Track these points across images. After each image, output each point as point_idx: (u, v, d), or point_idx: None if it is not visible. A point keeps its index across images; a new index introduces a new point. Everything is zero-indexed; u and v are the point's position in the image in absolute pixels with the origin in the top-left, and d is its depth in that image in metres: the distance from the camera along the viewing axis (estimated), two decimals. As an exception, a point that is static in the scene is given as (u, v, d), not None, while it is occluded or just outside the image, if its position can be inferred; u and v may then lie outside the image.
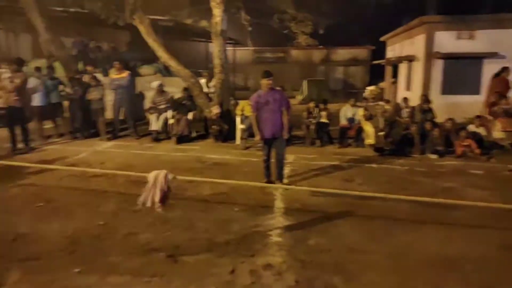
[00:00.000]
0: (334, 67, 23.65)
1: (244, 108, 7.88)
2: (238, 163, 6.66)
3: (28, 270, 3.14)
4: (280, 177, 5.23)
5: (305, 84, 18.25)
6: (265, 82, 4.97)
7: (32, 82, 7.72)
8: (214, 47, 8.01)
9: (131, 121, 8.33)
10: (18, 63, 7.38)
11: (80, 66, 9.39)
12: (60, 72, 9.16)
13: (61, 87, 8.08)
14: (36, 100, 7.85)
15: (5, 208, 4.45)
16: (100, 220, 4.16)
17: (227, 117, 8.23)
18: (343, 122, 7.95)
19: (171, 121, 8.22)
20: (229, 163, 6.61)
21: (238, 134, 7.91)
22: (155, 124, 8.17)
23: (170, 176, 3.68)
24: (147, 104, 10.11)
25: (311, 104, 8.15)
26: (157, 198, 3.56)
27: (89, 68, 8.56)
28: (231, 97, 8.79)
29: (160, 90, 8.18)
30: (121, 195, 5.00)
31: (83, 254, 3.45)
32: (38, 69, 8.10)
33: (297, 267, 3.19)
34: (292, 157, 6.78)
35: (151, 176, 3.66)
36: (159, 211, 3.61)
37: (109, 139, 8.13)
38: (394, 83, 15.57)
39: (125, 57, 9.82)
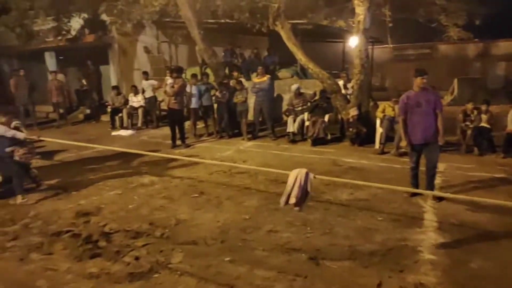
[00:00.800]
0: (494, 63, 20.31)
1: (385, 110, 7.41)
2: (377, 168, 6.29)
3: (188, 253, 3.56)
4: (430, 188, 4.71)
5: (456, 83, 16.18)
6: (419, 81, 4.52)
7: (189, 87, 8.83)
8: (355, 47, 7.77)
9: (270, 123, 8.73)
10: (178, 71, 8.53)
11: (227, 72, 10.31)
12: (211, 77, 10.25)
13: (212, 91, 9.00)
14: (192, 103, 8.94)
15: (169, 196, 5.15)
16: (245, 215, 4.45)
17: (365, 119, 7.87)
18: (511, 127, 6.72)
19: (307, 123, 8.30)
20: (367, 168, 6.30)
21: (378, 138, 7.49)
22: (291, 125, 8.37)
23: (311, 176, 3.66)
24: (284, 106, 10.50)
25: (469, 106, 7.15)
26: (295, 196, 3.59)
27: (235, 73, 9.32)
28: (370, 98, 8.39)
29: (298, 93, 8.35)
30: (262, 192, 5.26)
31: (232, 244, 3.73)
32: (194, 75, 9.21)
33: (456, 292, 2.80)
34: (444, 166, 6.05)
35: (292, 174, 3.71)
36: (296, 211, 3.64)
37: (249, 139, 8.69)
38: None
39: (266, 62, 10.36)
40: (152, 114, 11.09)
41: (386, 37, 13.14)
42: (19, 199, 4.91)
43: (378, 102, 8.44)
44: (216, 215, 4.47)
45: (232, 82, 9.01)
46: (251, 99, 9.02)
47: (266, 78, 8.61)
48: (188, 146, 8.24)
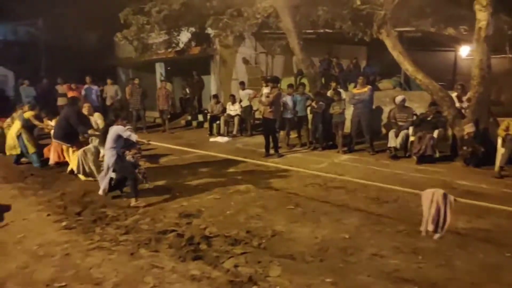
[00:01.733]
0: None
1: (509, 128, 6.44)
2: (500, 195, 5.44)
3: (286, 268, 3.43)
4: None
5: None
6: None
7: (284, 98, 8.83)
8: (475, 56, 6.91)
9: (368, 136, 8.25)
10: (274, 81, 8.60)
11: (323, 82, 10.09)
12: (306, 88, 10.14)
13: (308, 102, 8.87)
14: (286, 113, 8.92)
15: (264, 205, 5.12)
16: (345, 233, 4.17)
17: (483, 137, 6.94)
18: None
19: (412, 138, 7.63)
20: (487, 194, 5.49)
21: (498, 159, 6.52)
22: (393, 140, 7.78)
23: (450, 198, 3.24)
24: (384, 119, 9.88)
25: None
26: (433, 222, 3.21)
27: (333, 83, 9.06)
28: (489, 114, 7.38)
29: (402, 105, 7.74)
30: (362, 211, 4.92)
31: (332, 264, 3.50)
32: (290, 85, 9.20)
33: None
34: None
35: (426, 196, 3.32)
36: (437, 238, 3.25)
37: (345, 152, 8.32)
38: None
39: (365, 72, 9.91)
40: (247, 123, 11.39)
41: (504, 46, 11.58)
42: (133, 201, 5.12)
43: (499, 119, 7.39)
44: (314, 230, 4.28)
45: (329, 93, 8.77)
46: (348, 110, 8.66)
47: (366, 89, 8.19)
48: (281, 155, 8.21)
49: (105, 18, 13.93)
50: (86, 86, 11.60)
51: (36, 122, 7.42)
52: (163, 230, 4.27)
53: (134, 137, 5.24)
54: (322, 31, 11.02)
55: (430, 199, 3.01)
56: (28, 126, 7.35)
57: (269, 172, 6.79)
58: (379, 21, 8.51)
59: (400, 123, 7.90)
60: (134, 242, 3.98)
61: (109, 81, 12.34)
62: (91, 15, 14.40)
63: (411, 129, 7.76)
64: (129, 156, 5.65)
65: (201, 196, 5.56)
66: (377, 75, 10.52)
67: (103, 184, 5.29)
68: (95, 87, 11.99)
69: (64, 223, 4.49)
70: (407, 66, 8.11)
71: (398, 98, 7.88)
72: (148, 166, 7.06)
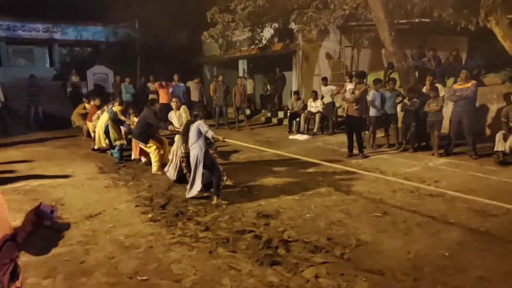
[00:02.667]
0: None
1: None
2: None
3: (374, 285, 3.07)
4: None
5: None
6: None
7: (371, 94, 8.21)
8: None
9: (470, 138, 7.25)
10: (361, 76, 8.00)
11: (416, 76, 9.17)
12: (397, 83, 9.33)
13: (398, 99, 8.13)
14: (373, 111, 8.28)
15: (347, 211, 4.74)
16: (444, 250, 3.63)
17: None
18: None
19: (525, 142, 6.50)
20: None
21: None
22: (501, 144, 6.71)
23: None
24: (489, 119, 8.65)
25: None
26: None
27: (429, 78, 8.15)
28: None
29: (518, 103, 6.62)
30: (463, 225, 4.26)
31: (429, 286, 3.03)
32: (377, 81, 8.52)
33: None
34: None
35: None
36: None
37: (441, 155, 7.44)
38: None
39: (468, 65, 8.74)
40: (328, 120, 10.94)
41: None
42: (215, 199, 5.09)
43: None
44: (406, 243, 3.80)
45: (425, 89, 7.91)
46: (446, 108, 7.73)
47: (470, 84, 7.18)
48: (366, 156, 7.64)
49: (193, 18, 14.57)
50: (174, 83, 12.21)
51: (122, 117, 7.94)
52: (241, 230, 4.17)
53: (210, 133, 5.14)
54: (417, 20, 10.06)
55: None
56: (115, 120, 7.91)
57: (352, 174, 6.34)
58: (488, 7, 7.44)
59: (511, 124, 6.79)
60: (213, 240, 3.94)
61: (196, 80, 12.77)
62: (181, 15, 15.17)
63: (525, 131, 6.63)
64: (212, 151, 5.65)
65: (279, 196, 5.37)
66: (482, 69, 9.22)
67: (196, 185, 5.12)
68: (182, 85, 12.57)
69: (150, 215, 4.66)
70: (523, 57, 6.95)
71: (512, 95, 6.75)
72: (225, 163, 7.11)
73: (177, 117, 7.00)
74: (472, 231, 4.11)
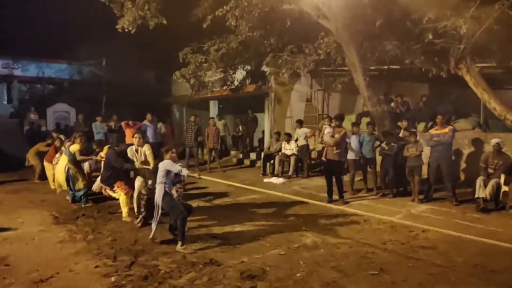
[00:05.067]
0: None
1: None
2: None
3: None
4: None
5: None
6: None
7: (349, 137, 8.06)
8: None
9: (450, 183, 7.17)
10: (339, 119, 7.88)
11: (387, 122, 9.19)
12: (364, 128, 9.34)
13: (377, 143, 8.04)
14: (351, 154, 8.11)
15: (340, 268, 4.27)
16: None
17: None
18: None
19: (504, 188, 6.48)
20: None
21: None
22: (481, 190, 6.65)
23: None
24: (462, 164, 8.74)
25: None
26: None
27: (404, 123, 8.17)
28: None
29: (499, 150, 6.62)
30: (468, 284, 3.91)
31: None
32: (355, 124, 8.44)
33: None
34: None
35: None
36: None
37: (421, 201, 7.27)
38: None
39: (438, 111, 8.91)
40: (303, 163, 10.69)
41: None
42: (179, 246, 4.78)
43: None
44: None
45: (402, 133, 7.89)
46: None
47: (447, 129, 7.21)
48: (346, 202, 7.33)
49: (162, 58, 14.34)
50: (144, 122, 11.58)
51: (81, 158, 7.25)
52: (224, 297, 3.58)
53: (185, 172, 5.06)
54: (385, 67, 10.34)
55: None
56: (75, 161, 7.20)
57: (336, 220, 5.98)
58: (457, 56, 7.70)
59: (490, 171, 6.79)
60: (192, 312, 3.32)
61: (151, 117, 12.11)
62: (149, 55, 14.92)
63: (502, 178, 6.62)
64: (173, 191, 5.27)
65: (262, 250, 4.85)
66: (451, 115, 9.46)
67: (153, 226, 5.03)
68: (151, 125, 11.97)
69: (113, 279, 3.95)
70: (493, 105, 7.16)
71: (493, 141, 6.76)
72: (202, 206, 6.55)
73: (138, 154, 6.44)
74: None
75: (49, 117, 14.44)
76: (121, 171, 6.33)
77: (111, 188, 6.31)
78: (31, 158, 9.96)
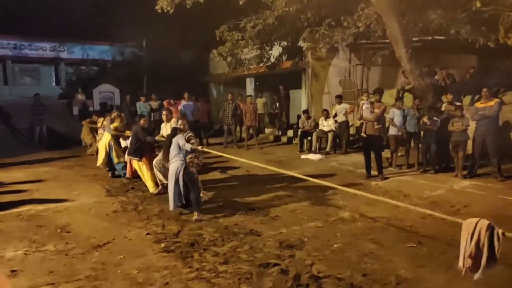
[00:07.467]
0: None
1: None
2: None
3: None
4: None
5: None
6: None
7: (391, 112, 7.92)
8: None
9: (495, 159, 6.90)
10: (379, 94, 7.72)
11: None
12: (409, 101, 9.06)
13: (419, 117, 7.82)
14: (392, 129, 7.97)
15: (378, 240, 4.35)
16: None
17: None
18: None
19: (557, 163, 6.16)
20: None
21: None
22: (530, 165, 6.37)
23: (498, 231, 2.61)
24: (510, 138, 8.31)
25: None
26: (471, 257, 2.65)
27: (448, 96, 7.87)
28: None
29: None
30: (508, 256, 3.86)
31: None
32: (399, 98, 8.24)
33: None
34: None
35: (466, 226, 2.78)
36: (476, 278, 2.62)
37: (464, 177, 7.07)
38: None
39: (485, 83, 8.45)
40: (341, 139, 10.63)
41: None
42: (195, 215, 5.13)
43: None
44: (449, 280, 3.42)
45: (445, 107, 7.62)
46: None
47: (493, 102, 6.89)
48: (385, 178, 7.28)
49: (199, 37, 14.50)
50: (183, 102, 11.95)
51: (113, 133, 7.73)
52: (264, 263, 3.79)
53: (188, 146, 5.28)
54: (429, 38, 9.87)
55: (469, 230, 2.68)
56: (115, 137, 7.75)
57: (373, 198, 5.97)
58: (508, 24, 7.22)
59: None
60: (234, 275, 3.56)
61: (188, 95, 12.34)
62: (187, 35, 15.12)
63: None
64: (190, 165, 5.53)
65: (300, 222, 5.01)
66: (500, 87, 8.95)
67: (173, 199, 5.22)
68: (191, 103, 12.30)
69: (163, 245, 4.29)
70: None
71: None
72: (236, 184, 6.77)
73: (166, 128, 6.98)
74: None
75: (95, 97, 15.16)
76: (146, 144, 6.86)
77: (140, 159, 6.77)
78: (86, 138, 10.76)
